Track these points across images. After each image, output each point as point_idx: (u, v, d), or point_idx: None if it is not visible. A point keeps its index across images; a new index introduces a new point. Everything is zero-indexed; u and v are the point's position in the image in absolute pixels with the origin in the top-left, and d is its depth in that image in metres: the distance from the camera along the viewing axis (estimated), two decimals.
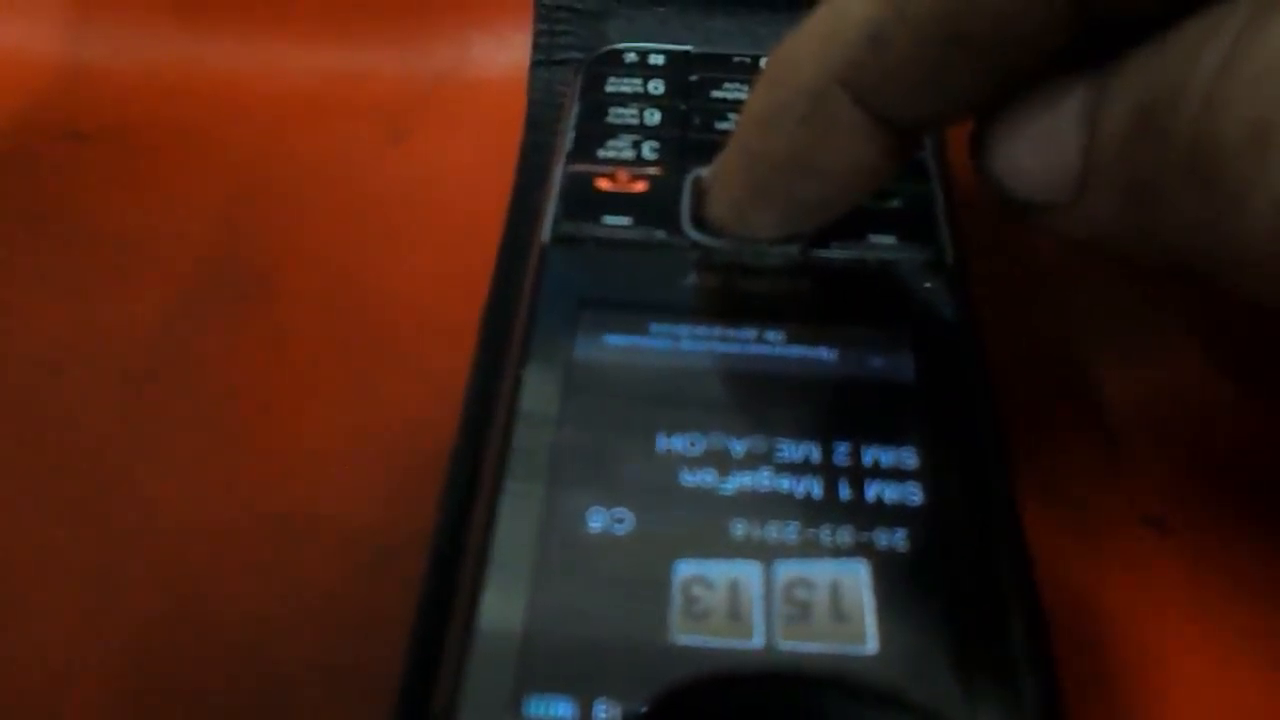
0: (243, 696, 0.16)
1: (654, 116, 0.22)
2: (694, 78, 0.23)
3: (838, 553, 0.15)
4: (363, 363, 0.21)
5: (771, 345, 0.17)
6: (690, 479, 0.15)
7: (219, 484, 0.19)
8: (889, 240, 0.19)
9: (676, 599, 0.14)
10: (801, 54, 0.16)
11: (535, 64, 0.25)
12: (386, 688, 0.16)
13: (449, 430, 0.19)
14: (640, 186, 0.20)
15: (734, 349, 0.17)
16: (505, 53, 0.26)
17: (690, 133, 0.21)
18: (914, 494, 0.15)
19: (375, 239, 0.23)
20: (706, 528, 0.15)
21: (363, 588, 0.18)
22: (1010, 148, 0.14)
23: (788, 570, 0.14)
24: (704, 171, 0.20)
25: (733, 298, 0.18)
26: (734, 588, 0.14)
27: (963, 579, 0.14)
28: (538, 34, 0.25)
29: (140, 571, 0.18)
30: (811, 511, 0.15)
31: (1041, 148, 0.14)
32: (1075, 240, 0.14)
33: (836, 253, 0.19)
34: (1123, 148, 0.13)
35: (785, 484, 0.15)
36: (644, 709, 0.09)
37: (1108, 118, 0.13)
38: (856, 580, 0.14)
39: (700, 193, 0.19)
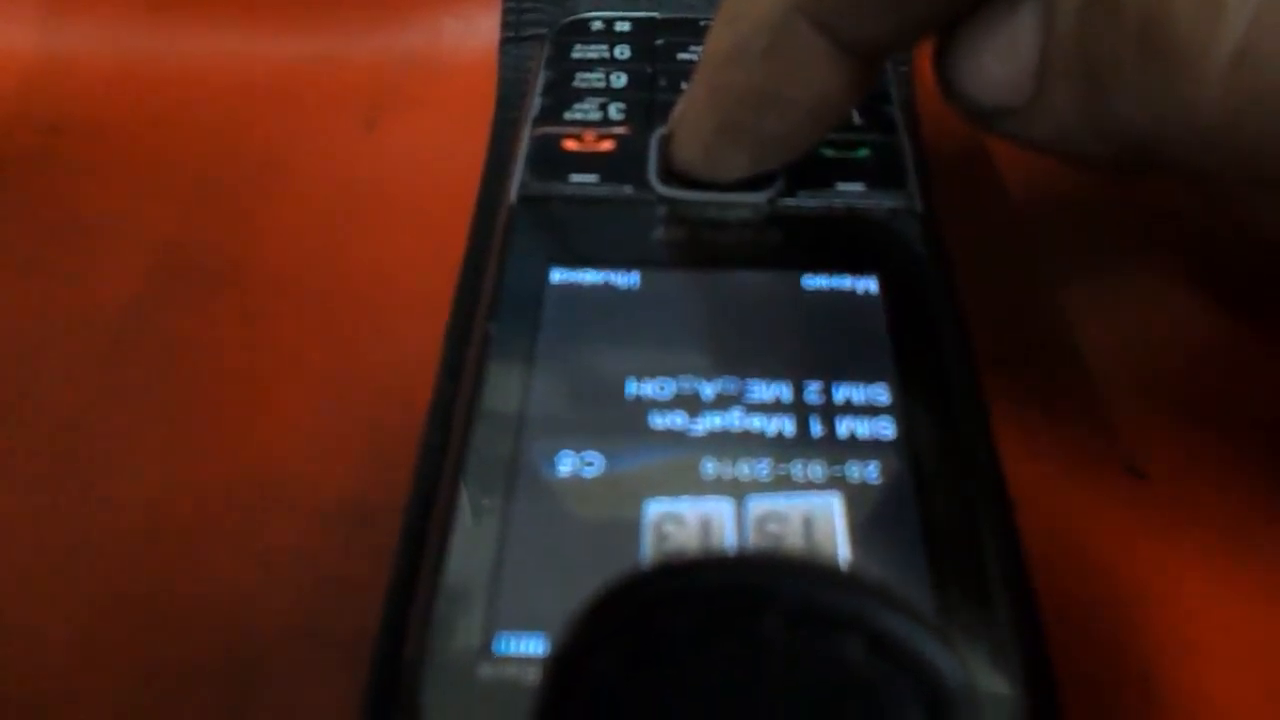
0: (218, 662, 0.16)
1: (620, 79, 0.22)
2: (660, 42, 0.23)
3: (810, 487, 0.14)
4: (337, 337, 0.21)
5: (741, 292, 0.17)
6: (660, 421, 0.15)
7: (193, 456, 0.19)
8: (857, 188, 0.19)
9: (648, 535, 0.14)
10: None
11: (504, 41, 0.25)
12: (362, 653, 0.15)
13: (423, 398, 0.19)
14: (607, 146, 0.20)
15: (703, 297, 0.17)
16: (476, 35, 0.26)
17: (657, 94, 0.21)
18: (886, 428, 0.15)
19: (350, 223, 0.23)
20: (677, 467, 0.15)
21: (339, 554, 0.17)
22: (971, 57, 0.15)
23: (760, 505, 0.14)
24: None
25: (701, 247, 0.18)
26: (706, 523, 0.14)
27: (937, 508, 0.14)
28: (506, 11, 0.25)
29: (115, 541, 0.18)
30: (783, 448, 0.15)
31: (1001, 52, 0.14)
32: (1040, 143, 0.15)
33: (804, 201, 0.19)
34: (1077, 33, 0.13)
35: (756, 423, 0.15)
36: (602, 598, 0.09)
37: (1062, 9, 0.13)
38: (829, 512, 0.14)
39: (667, 142, 0.19)
